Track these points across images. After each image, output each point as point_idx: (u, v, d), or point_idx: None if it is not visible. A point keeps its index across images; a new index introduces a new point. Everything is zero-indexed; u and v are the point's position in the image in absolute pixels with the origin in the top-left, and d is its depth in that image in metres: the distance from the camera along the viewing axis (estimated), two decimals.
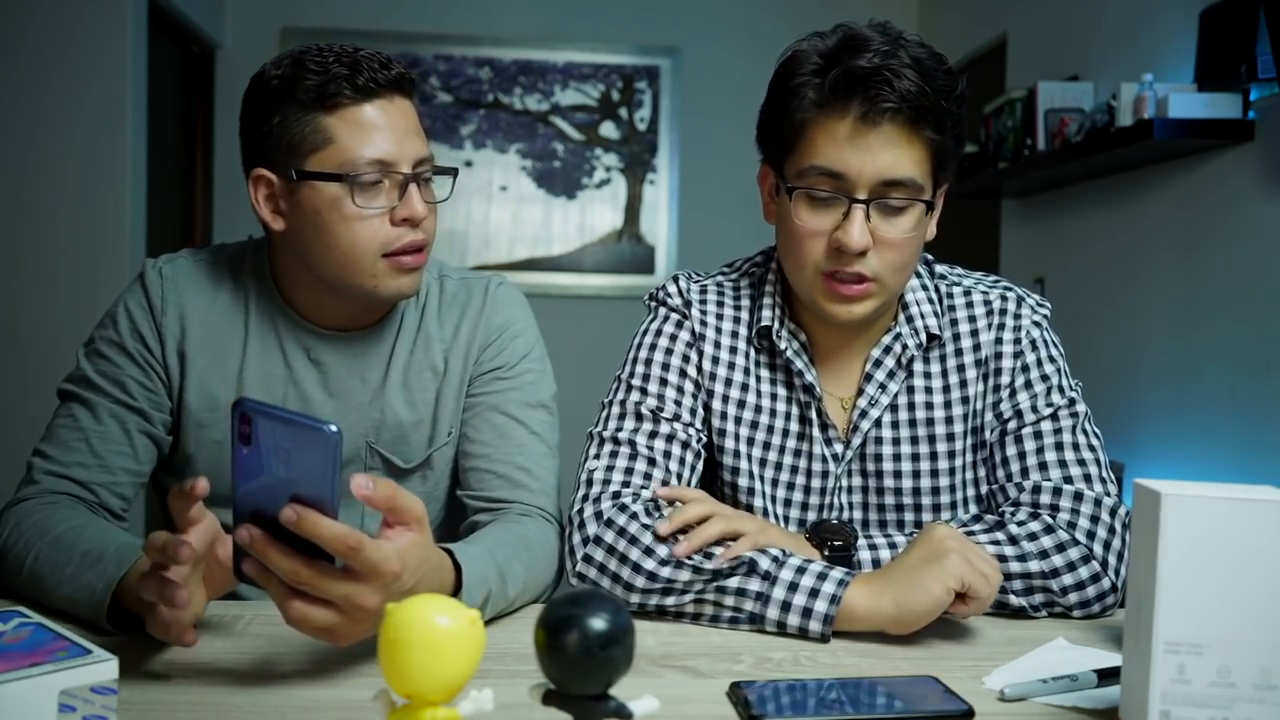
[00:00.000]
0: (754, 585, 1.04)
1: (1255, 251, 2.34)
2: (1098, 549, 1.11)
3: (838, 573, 1.03)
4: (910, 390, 1.24)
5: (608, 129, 4.46)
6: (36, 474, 1.18)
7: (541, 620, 0.62)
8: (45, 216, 3.21)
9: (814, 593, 1.02)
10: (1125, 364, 2.86)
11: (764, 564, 1.04)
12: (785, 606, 1.02)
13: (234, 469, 0.82)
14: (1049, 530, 1.11)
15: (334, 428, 0.76)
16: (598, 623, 0.61)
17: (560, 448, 1.33)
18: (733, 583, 1.05)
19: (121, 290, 1.28)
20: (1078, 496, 1.14)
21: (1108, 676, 0.88)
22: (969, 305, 1.27)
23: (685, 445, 1.22)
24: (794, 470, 1.25)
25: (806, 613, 1.01)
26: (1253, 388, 2.34)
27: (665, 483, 1.19)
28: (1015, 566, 1.09)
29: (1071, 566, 1.09)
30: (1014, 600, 1.09)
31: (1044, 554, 1.10)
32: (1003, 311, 1.26)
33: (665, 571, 1.07)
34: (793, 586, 1.03)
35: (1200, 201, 2.55)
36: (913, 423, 1.24)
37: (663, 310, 1.30)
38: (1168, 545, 0.76)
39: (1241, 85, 2.31)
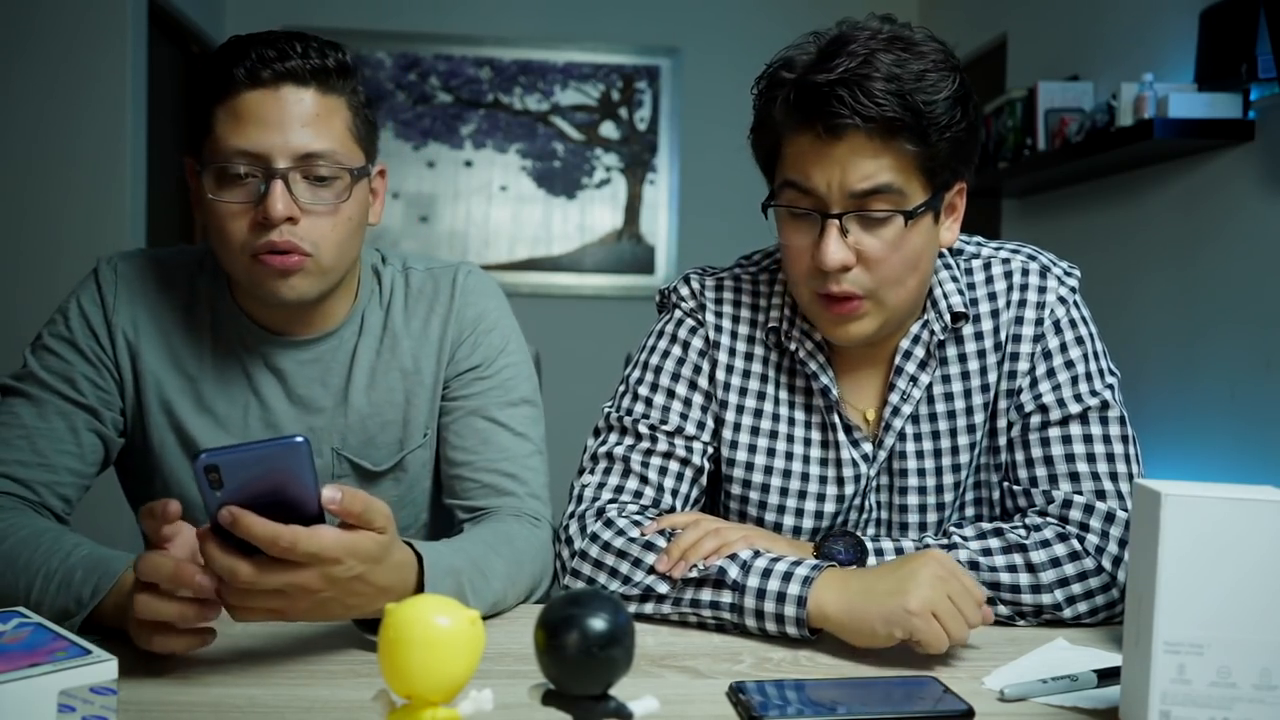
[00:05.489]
0: (725, 597, 1.02)
1: (1255, 251, 2.34)
2: (1121, 575, 1.07)
3: (803, 570, 1.00)
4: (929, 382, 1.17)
5: (608, 129, 4.46)
6: None
7: (541, 620, 0.62)
8: (45, 216, 3.21)
9: (781, 597, 0.99)
10: (1125, 364, 2.84)
11: (732, 573, 1.02)
12: (759, 615, 1.00)
13: (208, 511, 0.82)
14: (1074, 557, 1.07)
15: (300, 438, 0.81)
16: (598, 623, 0.61)
17: (548, 442, 1.29)
18: (705, 595, 1.03)
19: (74, 287, 1.23)
20: (1109, 518, 1.08)
21: (1108, 676, 0.88)
22: (989, 280, 1.18)
23: (684, 462, 1.19)
24: (822, 480, 1.18)
25: (780, 619, 0.99)
26: (1253, 388, 2.34)
27: (657, 501, 1.17)
28: (1028, 598, 1.06)
29: (1089, 595, 1.07)
30: (1020, 623, 1.08)
31: (1063, 582, 1.06)
32: (1024, 286, 1.16)
33: (647, 581, 1.06)
34: (760, 594, 1.00)
35: (1200, 201, 2.55)
36: (933, 416, 1.17)
37: (676, 313, 1.24)
38: (1168, 545, 0.76)
39: (1241, 85, 2.31)
